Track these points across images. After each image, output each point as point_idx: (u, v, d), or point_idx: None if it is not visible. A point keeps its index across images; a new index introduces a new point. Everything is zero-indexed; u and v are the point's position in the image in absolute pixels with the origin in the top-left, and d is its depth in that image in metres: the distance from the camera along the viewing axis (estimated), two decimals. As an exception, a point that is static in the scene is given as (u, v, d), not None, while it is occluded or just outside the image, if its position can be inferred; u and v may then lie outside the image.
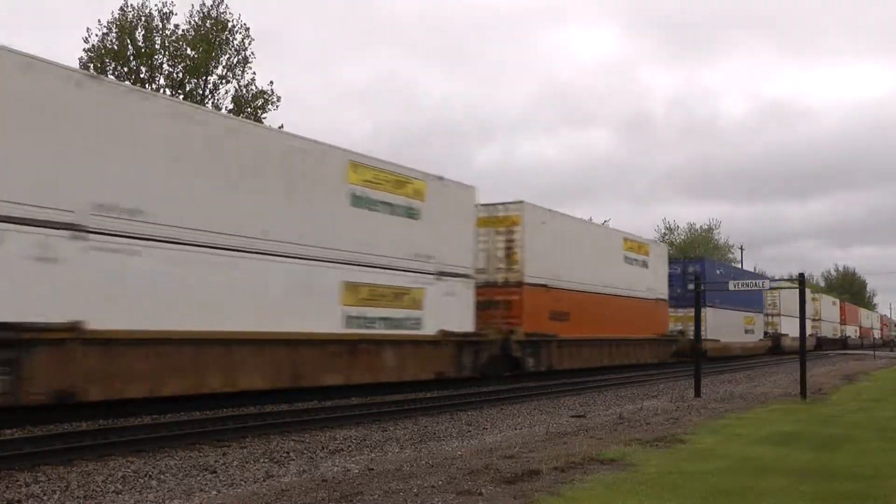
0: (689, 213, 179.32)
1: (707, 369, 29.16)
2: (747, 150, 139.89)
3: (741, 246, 76.76)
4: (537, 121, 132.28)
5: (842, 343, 69.80)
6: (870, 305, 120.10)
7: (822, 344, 61.14)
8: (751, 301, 43.29)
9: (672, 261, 36.45)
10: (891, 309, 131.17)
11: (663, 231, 74.26)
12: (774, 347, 48.30)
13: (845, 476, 8.06)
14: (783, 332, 50.09)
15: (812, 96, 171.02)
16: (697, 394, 18.46)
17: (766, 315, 48.91)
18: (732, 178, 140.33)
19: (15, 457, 8.48)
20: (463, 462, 8.82)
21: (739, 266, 64.48)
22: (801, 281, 19.83)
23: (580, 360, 24.39)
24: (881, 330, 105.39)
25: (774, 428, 12.22)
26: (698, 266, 36.25)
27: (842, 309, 73.64)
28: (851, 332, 77.29)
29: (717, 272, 38.05)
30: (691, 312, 34.14)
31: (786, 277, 59.86)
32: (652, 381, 24.16)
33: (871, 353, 59.34)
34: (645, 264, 29.34)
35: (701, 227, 76.12)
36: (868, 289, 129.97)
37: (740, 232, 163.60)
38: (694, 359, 18.65)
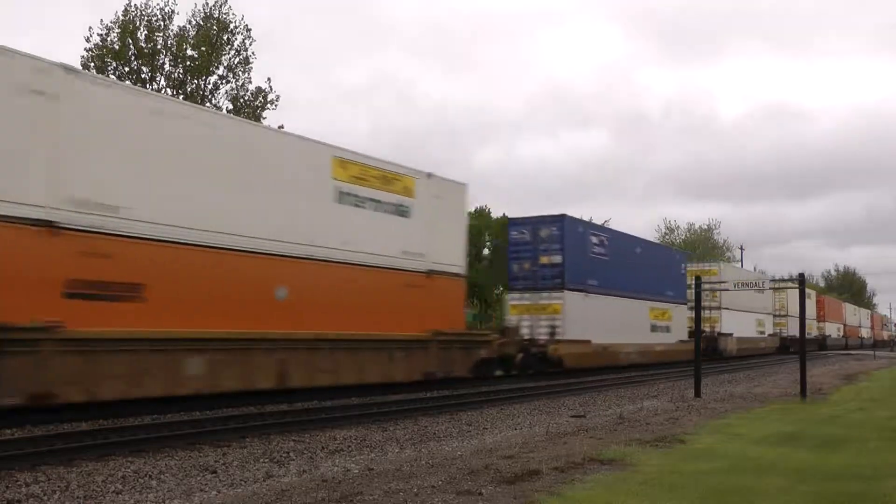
0: (689, 214, 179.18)
1: (630, 379, 23.10)
2: (746, 150, 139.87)
3: (741, 246, 76.85)
4: (536, 122, 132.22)
5: (818, 344, 59.60)
6: (870, 305, 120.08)
7: (791, 345, 49.24)
8: (660, 284, 30.17)
9: (515, 222, 25.51)
10: (891, 309, 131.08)
11: (664, 231, 74.35)
12: (710, 350, 35.80)
13: (845, 476, 8.06)
14: (725, 330, 38.26)
15: (810, 97, 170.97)
16: (697, 394, 18.46)
17: (719, 310, 38.13)
18: (731, 178, 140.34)
19: (15, 457, 8.49)
20: (463, 462, 8.82)
21: (739, 265, 64.07)
22: (802, 281, 19.85)
23: (178, 379, 12.50)
24: (871, 329, 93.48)
25: (774, 428, 12.22)
26: (555, 227, 24.34)
27: (819, 303, 63.62)
28: (833, 330, 66.85)
29: (594, 241, 26.25)
30: (543, 300, 23.93)
31: (785, 277, 59.47)
32: (652, 381, 24.14)
33: (870, 353, 57.09)
34: (402, 210, 17.41)
35: (700, 226, 76.28)
36: (868, 289, 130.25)
37: (740, 232, 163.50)
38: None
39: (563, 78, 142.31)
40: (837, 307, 72.53)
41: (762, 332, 45.46)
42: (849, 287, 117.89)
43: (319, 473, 8.34)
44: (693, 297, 35.55)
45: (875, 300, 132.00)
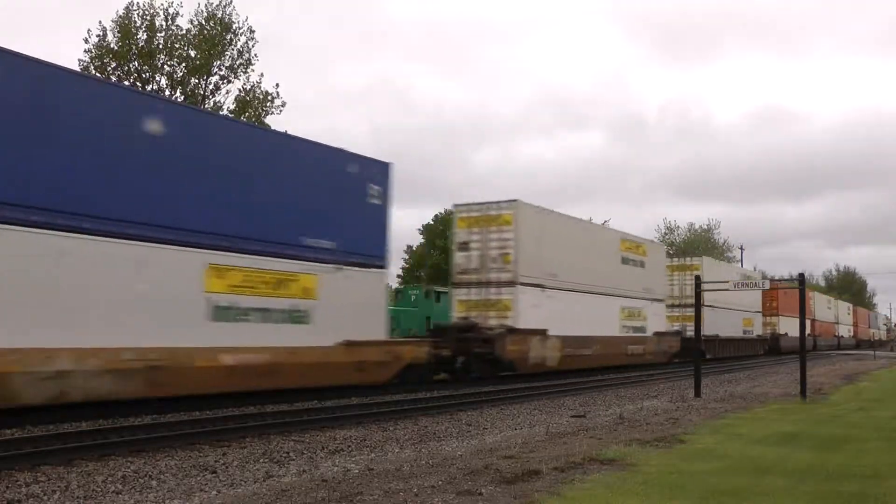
0: (687, 215, 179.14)
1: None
2: (743, 151, 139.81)
3: (741, 246, 76.81)
4: (534, 123, 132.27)
5: (766, 345, 45.22)
6: (870, 305, 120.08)
7: (709, 349, 34.20)
8: (266, 216, 14.16)
9: None
10: (891, 309, 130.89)
11: (664, 231, 74.41)
12: (484, 360, 20.97)
13: (845, 476, 8.06)
14: (533, 324, 21.68)
15: (807, 98, 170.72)
16: (697, 394, 18.46)
17: (511, 286, 21.34)
18: (730, 179, 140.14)
19: (15, 457, 8.49)
20: (463, 462, 8.82)
21: (739, 265, 63.79)
22: (802, 281, 19.84)
23: None
24: (853, 326, 77.32)
25: (774, 428, 12.22)
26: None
27: (770, 294, 45.26)
28: (791, 327, 44.53)
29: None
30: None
31: (786, 278, 58.99)
32: (652, 381, 24.13)
33: (856, 353, 53.61)
34: None
35: (700, 227, 76.27)
36: (868, 289, 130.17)
37: (738, 233, 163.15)
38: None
39: (560, 80, 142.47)
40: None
41: (639, 331, 28.48)
42: (849, 287, 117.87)
43: (319, 473, 8.34)
44: (543, 275, 20.94)
45: (875, 300, 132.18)
